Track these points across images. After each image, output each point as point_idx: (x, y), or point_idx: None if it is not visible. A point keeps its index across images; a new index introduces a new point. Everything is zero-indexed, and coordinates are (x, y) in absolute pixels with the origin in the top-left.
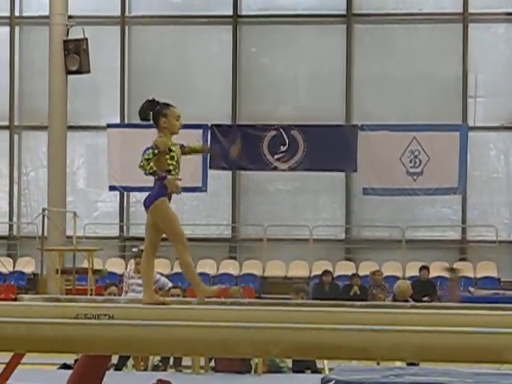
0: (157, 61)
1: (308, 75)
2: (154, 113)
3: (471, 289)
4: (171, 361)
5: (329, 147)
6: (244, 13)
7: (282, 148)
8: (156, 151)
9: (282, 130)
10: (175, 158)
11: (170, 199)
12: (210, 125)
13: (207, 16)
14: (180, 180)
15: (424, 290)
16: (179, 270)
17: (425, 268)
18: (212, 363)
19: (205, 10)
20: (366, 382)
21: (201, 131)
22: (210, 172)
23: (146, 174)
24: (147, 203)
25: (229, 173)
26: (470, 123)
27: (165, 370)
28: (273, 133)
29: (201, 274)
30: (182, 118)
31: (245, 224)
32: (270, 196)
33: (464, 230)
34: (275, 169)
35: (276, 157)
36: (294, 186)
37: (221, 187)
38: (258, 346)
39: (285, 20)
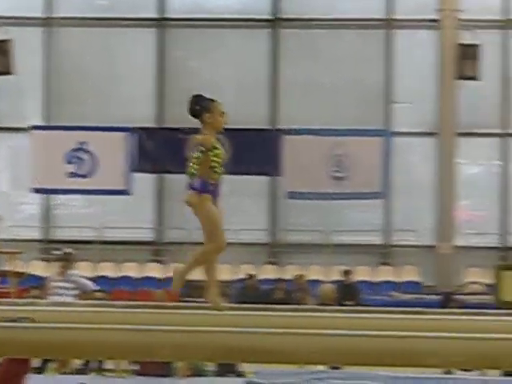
0: (81, 63)
1: (234, 79)
2: (198, 108)
3: (394, 293)
4: (93, 364)
5: (254, 151)
6: (170, 16)
7: None
8: (202, 149)
9: None
10: (219, 156)
11: (214, 197)
12: (134, 127)
13: (132, 18)
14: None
15: (347, 293)
16: (102, 273)
17: (348, 272)
18: (135, 366)
19: (130, 12)
20: None
21: (125, 134)
22: (135, 175)
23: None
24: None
25: (153, 175)
26: (394, 128)
27: (86, 373)
28: None
29: (124, 277)
30: (105, 121)
31: (169, 227)
32: None
33: (387, 235)
34: None
35: None
36: None
37: (145, 190)
38: (181, 349)
39: (211, 24)
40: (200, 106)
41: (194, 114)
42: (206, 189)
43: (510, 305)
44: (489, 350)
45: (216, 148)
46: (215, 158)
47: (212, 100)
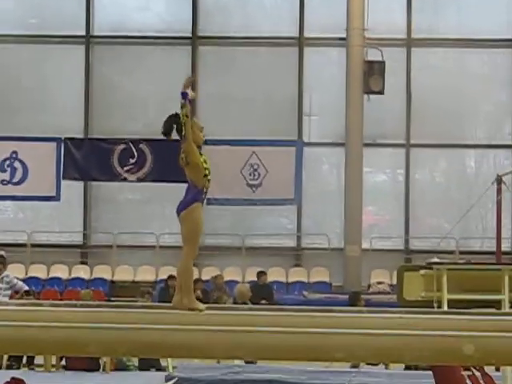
0: (13, 77)
1: (156, 93)
2: (178, 125)
3: (305, 292)
4: (24, 359)
5: (174, 160)
6: (96, 33)
7: (131, 160)
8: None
9: (131, 144)
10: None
11: (202, 204)
12: (63, 138)
13: (61, 36)
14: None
15: (262, 293)
16: (33, 275)
17: (263, 273)
18: (63, 362)
19: (60, 30)
20: (207, 379)
21: (55, 144)
22: (63, 182)
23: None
24: (181, 208)
25: (81, 183)
26: (305, 139)
27: (18, 368)
28: (122, 146)
29: (54, 278)
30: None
31: (95, 231)
32: (120, 205)
33: (299, 238)
34: (124, 180)
35: (125, 168)
36: (142, 196)
37: (73, 196)
38: (106, 345)
39: (135, 41)
40: (178, 123)
41: (170, 132)
42: (199, 197)
43: (411, 303)
44: (392, 345)
45: (201, 155)
46: (206, 165)
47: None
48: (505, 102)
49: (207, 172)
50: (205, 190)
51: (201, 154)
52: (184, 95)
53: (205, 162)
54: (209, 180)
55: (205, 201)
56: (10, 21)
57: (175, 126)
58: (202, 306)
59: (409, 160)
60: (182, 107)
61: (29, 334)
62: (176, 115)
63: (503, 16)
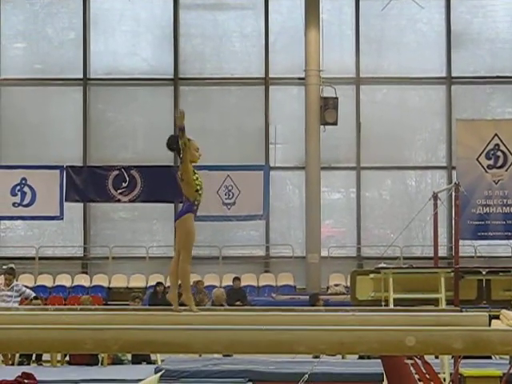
0: (22, 114)
1: (144, 126)
2: (175, 146)
3: (273, 294)
4: (33, 357)
5: (161, 183)
6: (92, 76)
7: (124, 184)
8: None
9: (123, 170)
10: (200, 181)
11: (195, 215)
12: (65, 166)
13: (63, 79)
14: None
15: (236, 296)
16: (41, 283)
17: (237, 279)
18: (67, 358)
19: (61, 73)
20: (191, 370)
21: (58, 171)
22: (66, 203)
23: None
24: (176, 217)
25: (81, 204)
26: (272, 164)
27: (28, 364)
28: (116, 172)
29: (59, 286)
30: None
31: (94, 245)
32: (115, 222)
33: (267, 248)
34: (118, 201)
35: (119, 191)
36: (133, 215)
37: (75, 216)
38: (102, 343)
39: (125, 82)
40: (177, 144)
41: (173, 148)
42: (191, 209)
43: (362, 302)
44: (347, 339)
45: (195, 173)
46: (197, 182)
47: (188, 139)
48: (439, 130)
49: (199, 188)
50: (196, 202)
51: (195, 173)
52: (181, 128)
53: (197, 179)
54: (200, 194)
55: (197, 212)
56: (19, 66)
57: (175, 147)
58: (195, 307)
59: (359, 180)
60: (180, 138)
61: (37, 334)
62: (174, 136)
63: (436, 58)
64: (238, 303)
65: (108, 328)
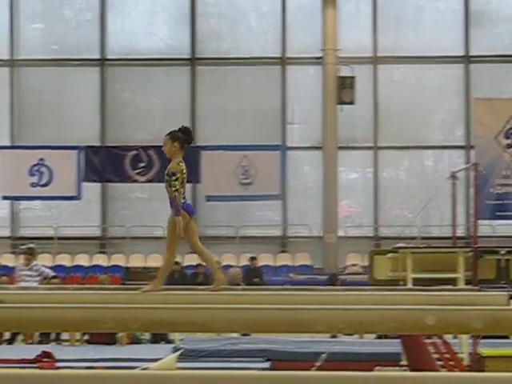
0: (40, 95)
1: (161, 106)
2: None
3: (291, 274)
4: (52, 336)
5: None
6: (109, 56)
7: (141, 164)
8: (177, 177)
9: (141, 150)
10: (180, 180)
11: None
12: (83, 146)
13: (80, 59)
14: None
15: (253, 275)
16: (59, 263)
17: (254, 258)
18: (86, 337)
19: (78, 54)
20: (209, 349)
21: (76, 151)
22: (84, 184)
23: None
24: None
25: (99, 184)
26: (288, 144)
27: (47, 343)
28: (133, 152)
29: (77, 266)
30: (59, 141)
31: (112, 225)
32: (132, 202)
33: (284, 228)
34: (135, 181)
35: (136, 171)
36: (150, 195)
37: (92, 196)
38: (121, 322)
39: (142, 63)
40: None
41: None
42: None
43: (380, 282)
44: (365, 318)
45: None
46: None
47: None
48: (457, 110)
49: (178, 187)
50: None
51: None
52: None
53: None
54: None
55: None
56: (36, 47)
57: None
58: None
59: (377, 160)
60: (174, 191)
61: (56, 313)
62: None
63: (454, 36)
64: (255, 282)
65: (127, 307)
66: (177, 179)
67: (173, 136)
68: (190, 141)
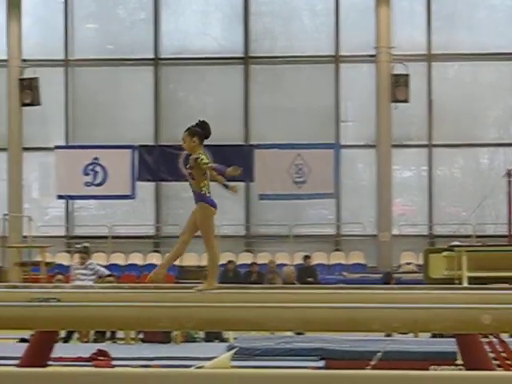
0: (94, 95)
1: (214, 105)
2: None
3: (345, 273)
4: (108, 334)
5: (231, 162)
6: (163, 56)
7: None
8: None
9: None
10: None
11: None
12: (137, 145)
13: (134, 59)
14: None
15: (307, 274)
16: (114, 262)
17: (308, 257)
18: (141, 335)
19: (132, 53)
20: (263, 348)
21: (130, 150)
22: (138, 183)
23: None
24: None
25: (153, 183)
26: (342, 142)
27: (103, 341)
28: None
29: (131, 264)
30: (113, 140)
31: (166, 224)
32: (186, 202)
33: (338, 227)
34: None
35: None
36: None
37: (147, 195)
38: (176, 320)
39: (196, 62)
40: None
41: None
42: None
43: (435, 281)
44: (420, 317)
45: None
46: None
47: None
48: (511, 107)
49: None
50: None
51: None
52: (221, 170)
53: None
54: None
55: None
56: (91, 47)
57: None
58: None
59: (431, 158)
60: (206, 164)
61: (111, 312)
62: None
63: (509, 32)
64: (309, 280)
65: (182, 306)
66: (202, 159)
67: (191, 131)
68: (208, 135)
